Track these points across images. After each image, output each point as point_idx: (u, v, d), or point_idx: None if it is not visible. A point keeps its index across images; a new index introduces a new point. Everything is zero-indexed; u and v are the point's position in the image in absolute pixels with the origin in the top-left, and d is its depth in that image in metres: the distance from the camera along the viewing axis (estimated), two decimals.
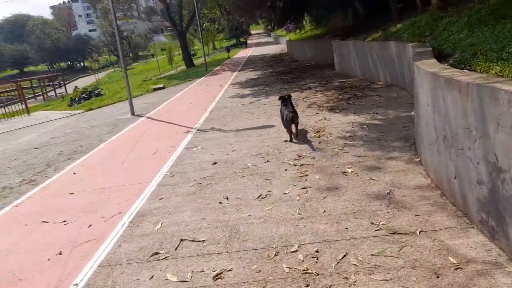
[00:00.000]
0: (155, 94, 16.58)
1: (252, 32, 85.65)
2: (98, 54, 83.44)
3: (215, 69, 24.51)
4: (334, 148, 5.80)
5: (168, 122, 9.66)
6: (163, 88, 18.02)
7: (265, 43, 49.72)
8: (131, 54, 76.88)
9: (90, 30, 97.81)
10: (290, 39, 30.35)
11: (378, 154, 5.31)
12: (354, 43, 12.61)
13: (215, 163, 5.94)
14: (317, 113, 8.26)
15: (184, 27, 30.14)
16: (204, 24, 57.79)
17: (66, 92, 43.77)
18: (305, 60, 19.82)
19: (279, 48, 35.04)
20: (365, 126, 6.72)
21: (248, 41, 55.91)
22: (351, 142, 5.97)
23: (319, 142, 6.20)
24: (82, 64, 78.09)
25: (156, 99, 14.52)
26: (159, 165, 6.20)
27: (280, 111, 6.86)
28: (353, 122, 7.11)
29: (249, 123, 8.25)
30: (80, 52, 76.38)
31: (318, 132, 6.81)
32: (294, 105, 6.95)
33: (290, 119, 6.38)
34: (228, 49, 37.52)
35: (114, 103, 15.96)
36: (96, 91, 29.54)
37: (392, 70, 10.18)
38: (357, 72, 12.55)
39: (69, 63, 78.76)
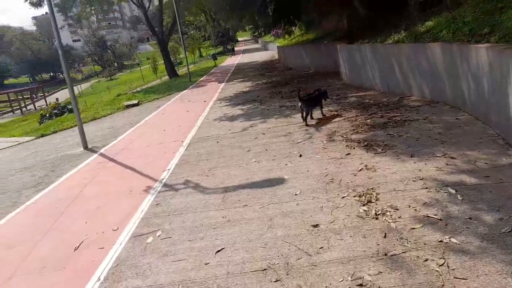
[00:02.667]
0: (126, 113, 13.34)
1: (239, 39, 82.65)
2: (82, 65, 79.56)
3: (200, 79, 21.34)
4: (432, 267, 2.71)
5: (126, 166, 6.46)
6: (137, 104, 14.78)
7: (253, 50, 46.64)
8: (116, 64, 73.21)
9: (74, 41, 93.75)
10: (280, 45, 27.41)
11: None
12: (373, 47, 9.62)
13: None
14: (349, 154, 5.19)
15: (166, 35, 26.91)
16: (191, 32, 54.55)
17: (47, 105, 40.29)
18: (302, 68, 16.82)
19: (269, 54, 32.05)
20: (452, 191, 3.67)
21: (236, 48, 52.88)
22: (458, 243, 2.88)
23: (384, 236, 3.12)
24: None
25: (123, 122, 11.28)
26: None
27: None
28: (421, 178, 4.05)
29: (244, 173, 5.12)
30: None
31: (369, 201, 3.73)
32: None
33: (300, 107, 7.24)
34: (214, 57, 34.33)
35: (75, 126, 12.64)
36: (70, 106, 26.06)
37: (435, 82, 7.20)
38: (377, 83, 9.56)
39: (51, 74, 74.40)
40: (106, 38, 77.01)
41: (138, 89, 27.24)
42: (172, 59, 41.37)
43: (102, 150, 7.95)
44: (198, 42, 45.13)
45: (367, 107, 7.79)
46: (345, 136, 6.02)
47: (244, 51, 45.91)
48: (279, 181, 4.64)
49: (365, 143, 5.52)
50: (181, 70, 32.59)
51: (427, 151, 4.82)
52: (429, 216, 3.29)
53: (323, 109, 7.62)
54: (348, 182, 4.27)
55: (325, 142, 5.91)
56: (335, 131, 6.45)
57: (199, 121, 9.21)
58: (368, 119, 6.89)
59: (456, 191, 3.66)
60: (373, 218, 3.41)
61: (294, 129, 6.99)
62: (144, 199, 4.78)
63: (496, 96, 4.99)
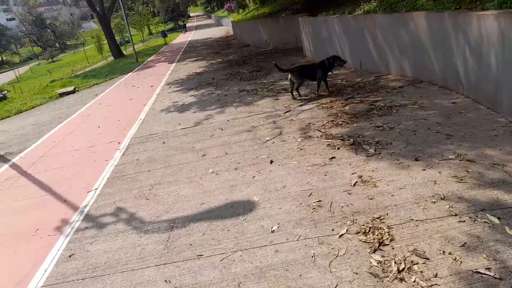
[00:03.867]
0: (58, 103, 11.24)
1: (191, 14, 78.45)
2: (20, 46, 71.99)
3: (148, 59, 19.16)
4: None
5: (40, 185, 4.81)
6: (73, 92, 12.63)
7: (206, 26, 43.92)
8: (57, 44, 66.87)
9: (8, 19, 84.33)
10: (235, 20, 25.53)
11: None
12: (341, 20, 8.35)
13: None
14: (333, 158, 3.96)
15: (107, 10, 23.96)
16: (139, 7, 50.26)
17: None
18: (260, 44, 15.34)
19: (223, 30, 29.99)
20: (494, 219, 2.55)
21: (188, 24, 49.70)
22: None
23: None
24: None
25: (52, 116, 9.31)
26: None
27: None
28: (442, 197, 2.90)
29: (198, 193, 3.74)
30: None
31: (381, 243, 2.52)
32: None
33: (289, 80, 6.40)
34: (164, 34, 31.58)
35: None
36: (0, 94, 22.76)
37: (418, 57, 6.13)
38: (347, 61, 8.37)
39: None
40: (45, 16, 69.78)
41: (81, 71, 24.41)
42: (118, 37, 37.87)
43: (16, 158, 6.15)
44: (146, 18, 41.60)
45: (341, 90, 6.60)
46: (323, 131, 4.78)
47: (197, 27, 43.25)
48: (247, 206, 3.31)
49: (350, 140, 4.31)
50: (129, 49, 29.70)
51: (434, 151, 3.70)
52: (480, 272, 2.14)
53: (321, 82, 6.43)
54: (342, 207, 3.03)
55: (299, 140, 4.63)
56: (309, 123, 5.19)
57: (143, 113, 7.57)
58: (345, 105, 5.70)
59: (499, 218, 2.54)
60: (395, 278, 2.21)
61: (259, 121, 5.66)
62: (52, 246, 3.26)
63: (510, 74, 3.93)
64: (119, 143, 5.87)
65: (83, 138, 6.61)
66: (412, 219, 2.71)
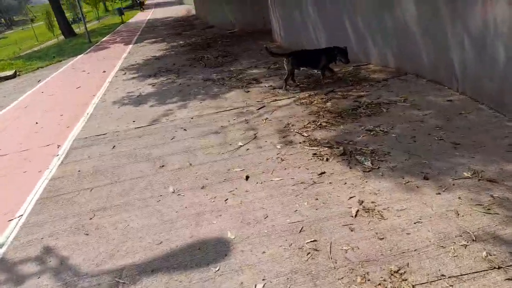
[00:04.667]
0: None
1: None
2: None
3: (103, 39, 17.33)
4: None
5: None
6: (14, 76, 10.93)
7: (166, 4, 41.27)
8: (3, 20, 60.76)
9: None
10: None
11: None
12: (315, 1, 7.49)
13: None
14: (323, 173, 3.19)
15: None
16: None
17: None
18: (225, 26, 14.15)
19: (185, 9, 28.10)
20: None
21: (147, 1, 46.57)
22: None
23: None
24: None
25: None
26: None
27: None
28: (473, 237, 2.23)
29: (154, 226, 2.84)
30: None
31: None
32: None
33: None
34: (120, 12, 29.06)
35: None
36: None
37: (403, 46, 5.46)
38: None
39: None
40: None
41: (29, 51, 21.98)
42: (71, 14, 34.64)
43: None
44: None
45: (319, 81, 5.82)
46: (306, 135, 3.99)
47: (157, 5, 40.60)
48: (219, 248, 2.48)
49: (340, 148, 3.56)
50: (83, 28, 27.11)
51: (443, 165, 3.03)
52: None
53: (325, 72, 5.67)
54: (346, 251, 2.28)
55: (279, 146, 3.82)
56: (288, 123, 4.38)
57: (91, 105, 6.40)
58: (326, 100, 4.94)
59: None
60: None
61: (228, 120, 4.78)
62: None
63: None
64: (58, 146, 4.77)
65: (15, 138, 5.40)
66: (443, 275, 2.01)
